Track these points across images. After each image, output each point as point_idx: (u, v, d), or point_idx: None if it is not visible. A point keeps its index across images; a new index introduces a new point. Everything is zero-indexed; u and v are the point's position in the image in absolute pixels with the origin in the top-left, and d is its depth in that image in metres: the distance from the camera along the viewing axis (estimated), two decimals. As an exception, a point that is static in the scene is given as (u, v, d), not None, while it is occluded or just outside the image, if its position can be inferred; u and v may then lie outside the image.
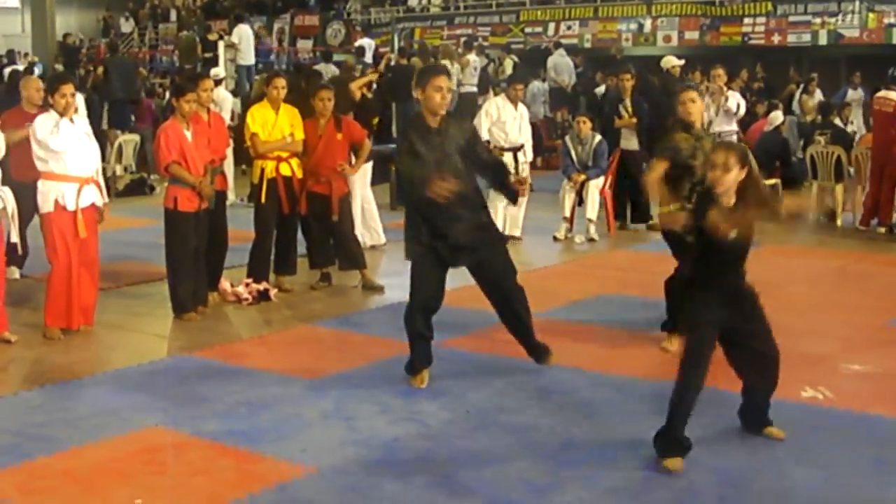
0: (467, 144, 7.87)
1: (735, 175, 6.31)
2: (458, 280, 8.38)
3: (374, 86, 16.70)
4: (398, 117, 22.14)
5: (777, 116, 17.18)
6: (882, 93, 15.07)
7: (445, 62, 23.11)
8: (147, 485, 6.01)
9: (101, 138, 11.03)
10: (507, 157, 13.86)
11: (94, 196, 9.31)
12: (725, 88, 15.56)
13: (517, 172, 13.93)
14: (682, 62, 18.28)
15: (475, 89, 23.60)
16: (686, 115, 8.92)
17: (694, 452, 6.32)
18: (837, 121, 17.36)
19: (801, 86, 22.63)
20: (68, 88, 9.18)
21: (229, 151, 12.14)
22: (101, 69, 23.45)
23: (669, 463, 6.13)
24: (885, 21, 26.05)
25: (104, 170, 11.10)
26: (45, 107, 9.47)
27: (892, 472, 6.12)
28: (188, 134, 9.73)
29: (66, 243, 9.09)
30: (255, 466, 6.30)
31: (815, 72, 23.45)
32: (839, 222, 15.32)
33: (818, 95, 21.41)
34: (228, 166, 13.08)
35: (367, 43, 26.39)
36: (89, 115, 11.11)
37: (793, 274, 11.97)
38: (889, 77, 15.34)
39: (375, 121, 14.96)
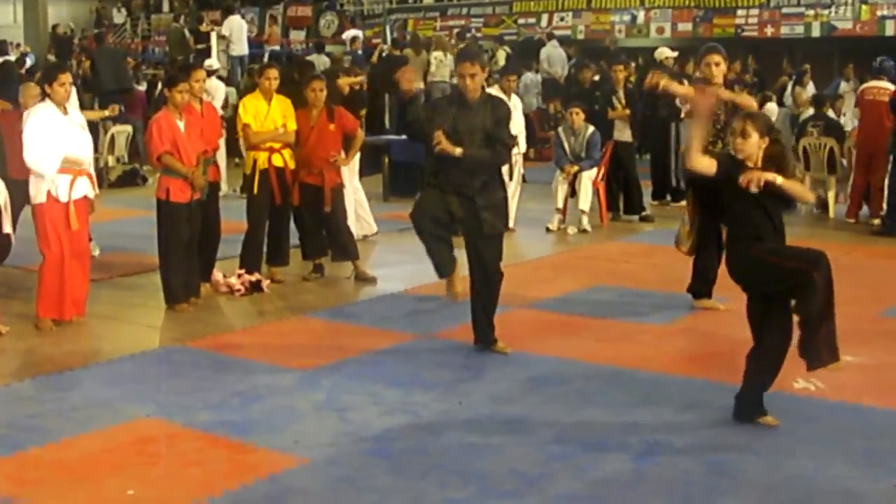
0: (494, 125, 8.24)
1: (756, 142, 6.43)
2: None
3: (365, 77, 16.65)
4: (391, 108, 22.13)
5: (772, 108, 17.18)
6: (872, 83, 15.09)
7: (438, 53, 23.13)
8: (139, 476, 6.01)
9: (93, 129, 11.00)
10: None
11: (86, 188, 9.30)
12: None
13: (511, 164, 13.96)
14: (676, 54, 18.27)
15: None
16: (709, 75, 9.79)
17: (685, 443, 6.34)
18: (830, 113, 17.35)
19: (794, 78, 22.62)
20: (66, 77, 9.18)
21: (222, 142, 12.12)
22: (87, 63, 23.33)
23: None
24: (878, 13, 26.06)
25: (96, 160, 11.08)
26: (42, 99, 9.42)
27: (883, 464, 6.13)
28: (181, 124, 9.70)
29: (59, 235, 9.07)
30: (248, 457, 6.31)
31: (808, 64, 23.43)
32: (832, 214, 15.34)
33: (811, 88, 21.41)
34: (221, 157, 13.07)
35: (355, 34, 26.37)
36: (80, 108, 11.06)
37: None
38: (876, 67, 15.33)
39: (363, 112, 14.94)
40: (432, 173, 8.34)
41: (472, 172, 8.12)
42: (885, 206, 14.34)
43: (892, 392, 7.42)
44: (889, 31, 25.65)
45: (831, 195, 15.49)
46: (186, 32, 27.45)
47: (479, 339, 8.45)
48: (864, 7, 26.24)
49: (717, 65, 9.74)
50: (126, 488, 5.81)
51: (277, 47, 29.15)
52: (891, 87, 14.77)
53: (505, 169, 13.65)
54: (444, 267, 8.28)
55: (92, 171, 9.54)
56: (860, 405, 7.16)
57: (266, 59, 23.57)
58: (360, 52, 25.25)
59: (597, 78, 16.84)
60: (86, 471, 6.11)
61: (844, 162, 15.48)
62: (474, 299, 8.42)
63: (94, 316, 9.60)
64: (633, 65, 21.72)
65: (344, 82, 14.76)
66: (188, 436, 6.64)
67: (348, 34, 26.65)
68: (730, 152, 6.68)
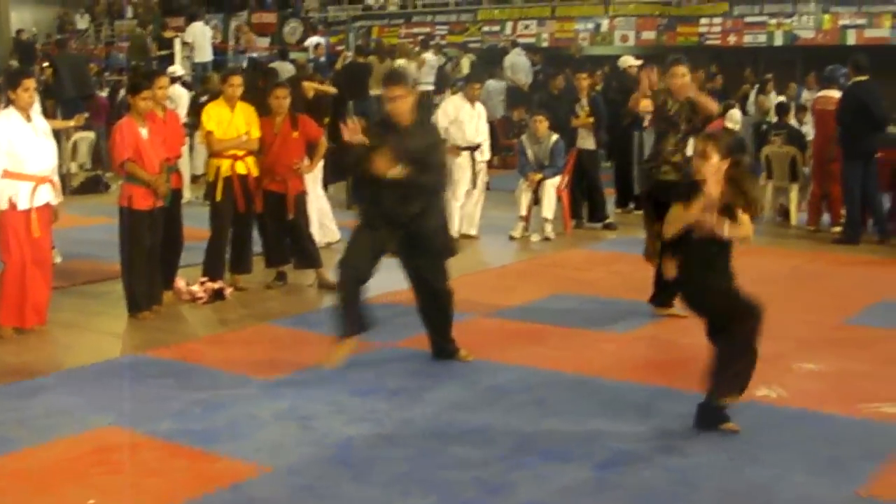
0: (426, 150, 8.08)
1: (716, 163, 6.42)
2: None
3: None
4: (354, 115, 22.09)
5: (734, 115, 17.21)
6: (823, 92, 15.18)
7: (402, 61, 23.12)
8: (100, 485, 5.98)
9: (56, 136, 10.93)
10: (465, 156, 13.90)
11: (48, 195, 9.25)
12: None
13: (474, 172, 13.98)
14: (640, 62, 18.33)
15: (432, 88, 23.61)
16: (675, 87, 9.86)
17: (647, 451, 6.36)
18: (794, 122, 17.46)
19: (757, 86, 22.75)
20: (31, 83, 9.15)
21: (185, 149, 12.08)
22: (49, 70, 23.19)
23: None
24: (840, 22, 26.22)
25: (59, 167, 11.02)
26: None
27: (844, 471, 6.16)
28: (144, 132, 9.66)
29: (20, 242, 9.02)
30: (210, 466, 6.28)
31: (771, 72, 23.56)
32: (793, 222, 15.43)
33: (774, 96, 21.52)
34: (184, 164, 13.02)
35: (318, 41, 26.34)
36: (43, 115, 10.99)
37: (747, 273, 11.90)
38: (828, 77, 15.44)
39: (327, 120, 14.92)
40: (364, 210, 8.24)
41: (408, 197, 7.95)
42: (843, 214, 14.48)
43: (854, 399, 7.44)
44: (851, 41, 25.81)
45: (793, 203, 15.58)
46: (148, 40, 27.34)
47: (436, 354, 8.46)
48: (826, 16, 26.40)
49: (683, 75, 9.80)
50: (87, 498, 5.77)
51: (255, 54, 29.00)
52: (839, 95, 14.85)
53: (468, 175, 13.82)
54: (346, 328, 8.08)
55: (55, 178, 9.49)
56: (822, 412, 7.20)
57: (245, 65, 23.51)
58: (322, 58, 25.22)
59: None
60: (46, 480, 6.07)
61: (806, 170, 15.57)
62: (424, 321, 8.43)
63: (56, 324, 9.54)
64: (598, 73, 21.84)
65: (310, 86, 14.76)
66: (150, 445, 6.60)
67: (311, 41, 26.63)
68: (688, 179, 6.68)
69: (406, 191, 7.92)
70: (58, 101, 21.03)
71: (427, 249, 8.14)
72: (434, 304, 8.32)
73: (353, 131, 7.94)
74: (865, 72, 14.18)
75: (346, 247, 8.25)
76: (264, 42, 31.66)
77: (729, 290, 6.76)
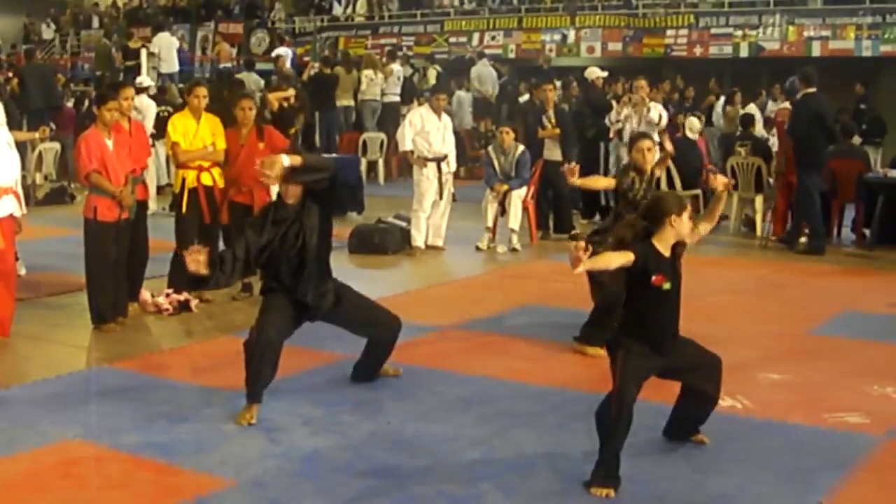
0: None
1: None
2: (382, 289, 8.36)
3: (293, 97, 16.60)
4: (321, 126, 22.12)
5: (693, 123, 17.25)
6: (783, 104, 15.28)
7: (368, 72, 23.15)
8: (64, 499, 5.94)
9: (21, 147, 10.88)
10: (431, 167, 13.92)
11: (11, 206, 9.20)
12: (647, 99, 15.71)
13: (441, 183, 14.00)
14: (606, 74, 18.43)
15: (398, 99, 23.65)
16: (641, 162, 9.50)
17: (613, 463, 6.37)
18: (762, 132, 17.59)
19: (721, 98, 22.87)
20: None
21: (151, 161, 12.03)
22: (15, 80, 23.11)
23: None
24: (805, 34, 26.37)
25: (23, 178, 10.98)
26: None
27: (808, 481, 6.18)
28: (109, 143, 9.63)
29: (-17, 254, 8.98)
30: (174, 479, 6.25)
31: (737, 83, 23.69)
32: (759, 232, 15.50)
33: (739, 108, 21.66)
34: (150, 176, 12.98)
35: (284, 52, 26.34)
36: (8, 125, 10.94)
37: (713, 283, 12.08)
38: (787, 89, 15.56)
39: (293, 131, 14.92)
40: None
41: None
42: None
43: (819, 409, 7.48)
44: (816, 52, 25.97)
45: (758, 214, 15.66)
46: (114, 50, 27.26)
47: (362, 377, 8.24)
48: (791, 28, 26.55)
49: (649, 150, 9.62)
50: (50, 511, 5.75)
51: (229, 64, 28.98)
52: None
53: (435, 186, 13.84)
54: (259, 393, 7.47)
55: (19, 190, 9.44)
56: (786, 423, 7.23)
57: (209, 76, 23.50)
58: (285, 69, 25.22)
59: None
60: (9, 494, 6.03)
61: (772, 181, 15.65)
62: (368, 356, 8.17)
63: (20, 336, 9.48)
64: (565, 83, 21.88)
65: (273, 97, 14.75)
66: (114, 458, 6.56)
67: (281, 51, 26.60)
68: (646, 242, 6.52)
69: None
70: (24, 112, 20.95)
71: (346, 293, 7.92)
72: (389, 338, 8.08)
73: None
74: (814, 84, 14.41)
75: (260, 318, 7.66)
76: (230, 52, 31.64)
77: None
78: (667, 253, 6.28)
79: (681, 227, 6.27)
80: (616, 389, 6.08)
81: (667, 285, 6.21)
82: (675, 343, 6.46)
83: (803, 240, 14.74)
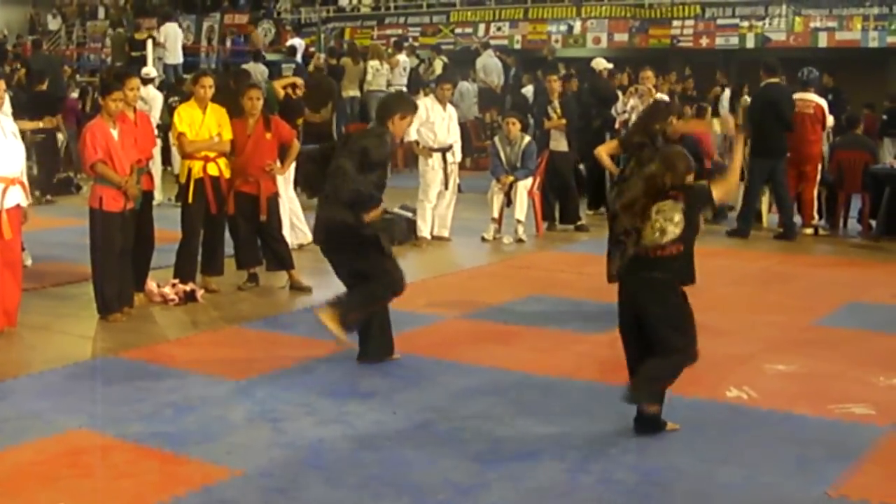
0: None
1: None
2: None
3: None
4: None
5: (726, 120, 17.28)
6: (799, 94, 15.26)
7: (375, 62, 23.12)
8: (70, 488, 5.94)
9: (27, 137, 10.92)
10: (436, 158, 13.91)
11: (18, 196, 9.21)
12: (654, 90, 15.65)
13: (446, 174, 14.00)
14: (612, 66, 18.41)
15: (405, 90, 23.62)
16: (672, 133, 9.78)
17: (618, 452, 6.37)
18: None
19: (726, 90, 22.83)
20: (1, 84, 9.10)
21: (156, 151, 12.06)
22: (22, 70, 23.14)
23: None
24: (812, 25, 26.34)
25: (29, 168, 10.99)
26: None
27: (814, 471, 6.18)
28: (114, 133, 9.63)
29: (-11, 244, 8.99)
30: (180, 469, 6.26)
31: (743, 74, 23.67)
32: (765, 223, 15.48)
33: (747, 99, 21.62)
34: (155, 166, 12.99)
35: (297, 43, 26.31)
36: (15, 115, 10.95)
37: (718, 275, 12.08)
38: (802, 80, 15.52)
39: (300, 122, 14.92)
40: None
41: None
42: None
43: (824, 400, 7.48)
44: (822, 43, 25.95)
45: (764, 205, 15.64)
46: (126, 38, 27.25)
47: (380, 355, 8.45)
48: (797, 19, 26.51)
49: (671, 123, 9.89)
50: (57, 501, 5.75)
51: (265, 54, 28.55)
52: (815, 98, 14.97)
53: (440, 177, 13.84)
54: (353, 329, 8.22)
55: (25, 180, 9.45)
56: (792, 413, 7.22)
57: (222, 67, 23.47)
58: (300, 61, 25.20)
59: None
60: (16, 484, 6.04)
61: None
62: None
63: (26, 326, 9.50)
64: (565, 76, 21.86)
65: (279, 84, 14.75)
66: (120, 447, 6.57)
67: (294, 42, 26.51)
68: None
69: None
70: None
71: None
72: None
73: None
74: (776, 74, 14.77)
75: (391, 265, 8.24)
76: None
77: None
78: None
79: None
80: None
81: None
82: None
83: (808, 230, 14.77)
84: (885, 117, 21.85)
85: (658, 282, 6.57)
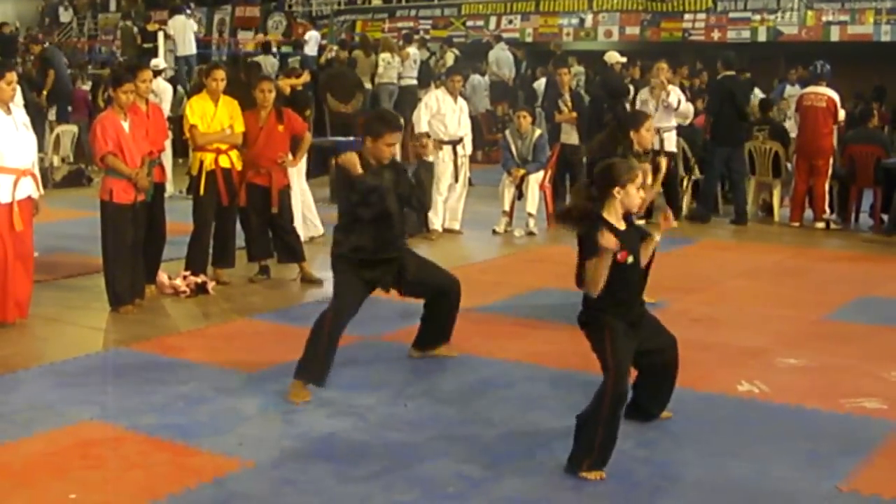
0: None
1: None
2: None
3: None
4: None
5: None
6: (811, 88, 15.28)
7: (386, 55, 23.11)
8: (82, 479, 5.95)
9: (39, 129, 10.92)
10: (447, 151, 13.91)
11: (30, 188, 9.22)
12: (667, 83, 15.39)
13: (457, 166, 13.99)
14: (625, 59, 18.36)
15: (415, 82, 23.61)
16: (641, 142, 9.47)
17: (630, 445, 6.35)
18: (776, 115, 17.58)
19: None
20: (12, 76, 9.11)
21: (168, 143, 12.05)
22: (36, 63, 23.21)
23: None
24: (824, 19, 26.31)
25: (41, 160, 11.00)
26: None
27: (826, 466, 6.17)
28: (125, 125, 9.62)
29: (2, 236, 8.98)
30: (192, 460, 6.26)
31: (755, 68, 23.63)
32: (776, 217, 15.48)
33: (757, 91, 21.60)
34: (167, 158, 12.99)
35: (313, 35, 26.28)
36: (26, 107, 10.96)
37: (730, 268, 12.08)
38: (815, 73, 15.52)
39: (308, 113, 14.92)
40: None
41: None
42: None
43: (835, 394, 7.47)
44: (834, 37, 25.92)
45: (776, 199, 15.63)
46: (135, 30, 27.25)
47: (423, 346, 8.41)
48: (809, 13, 26.48)
49: (647, 131, 9.63)
50: (69, 492, 5.75)
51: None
52: (828, 92, 14.98)
53: (451, 170, 13.84)
54: (321, 375, 7.49)
55: (36, 172, 9.46)
56: (804, 407, 7.21)
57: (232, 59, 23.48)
58: (313, 53, 25.22)
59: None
60: (28, 475, 6.05)
61: (789, 166, 15.62)
62: (432, 312, 8.31)
63: (37, 318, 9.51)
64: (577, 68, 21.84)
65: (285, 83, 14.75)
66: (132, 439, 6.58)
67: (309, 35, 26.47)
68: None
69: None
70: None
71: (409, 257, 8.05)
72: (451, 293, 8.24)
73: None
74: (733, 67, 15.64)
75: (337, 299, 7.69)
76: (247, 35, 31.57)
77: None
78: (621, 225, 6.06)
79: (627, 199, 6.05)
80: (613, 374, 6.03)
81: (630, 259, 6.02)
82: (644, 317, 6.39)
83: (820, 224, 14.78)
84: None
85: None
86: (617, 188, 6.02)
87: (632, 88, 17.15)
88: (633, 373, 6.41)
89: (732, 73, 15.65)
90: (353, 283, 7.65)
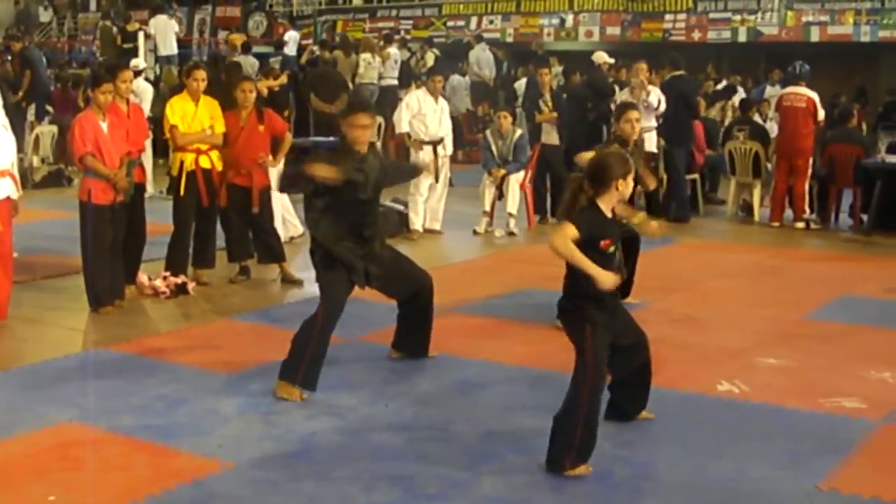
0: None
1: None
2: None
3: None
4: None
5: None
6: (790, 88, 15.33)
7: (366, 55, 23.09)
8: (61, 481, 5.94)
9: (18, 129, 10.88)
10: (427, 150, 13.91)
11: (9, 189, 9.19)
12: (646, 83, 15.41)
13: (437, 166, 13.99)
14: (613, 60, 18.36)
15: (396, 82, 23.59)
16: (629, 132, 9.54)
17: (610, 445, 6.36)
18: (756, 117, 17.60)
19: (715, 83, 22.86)
20: None
21: (148, 143, 12.02)
22: (9, 63, 23.13)
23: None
24: (804, 19, 26.35)
25: (20, 160, 10.96)
26: None
27: (805, 465, 6.19)
28: (104, 125, 9.59)
29: (-20, 237, 8.96)
30: (171, 462, 6.25)
31: (735, 69, 23.72)
32: (756, 217, 15.51)
33: (741, 93, 21.66)
34: (147, 158, 12.95)
35: (291, 35, 26.23)
36: (5, 108, 10.92)
37: (710, 268, 12.10)
38: (794, 73, 15.57)
39: (287, 112, 14.91)
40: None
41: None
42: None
43: (816, 394, 7.49)
44: (814, 38, 25.97)
45: (756, 199, 15.67)
46: (115, 30, 27.16)
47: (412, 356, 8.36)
48: (789, 13, 26.52)
49: (637, 121, 9.71)
50: (48, 494, 5.74)
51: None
52: (807, 92, 15.03)
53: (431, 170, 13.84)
54: (312, 382, 7.45)
55: (15, 172, 9.42)
56: (784, 407, 7.23)
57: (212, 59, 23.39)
58: (292, 53, 25.15)
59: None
60: (7, 476, 6.03)
61: (769, 166, 15.66)
62: (407, 311, 8.30)
63: (16, 319, 9.48)
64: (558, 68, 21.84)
65: (262, 85, 14.74)
66: (111, 440, 6.57)
67: (288, 35, 26.43)
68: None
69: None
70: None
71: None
72: (425, 294, 8.21)
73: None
74: (681, 68, 15.98)
75: (328, 300, 7.66)
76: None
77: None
78: (609, 214, 6.13)
79: (625, 189, 6.16)
80: (591, 368, 6.05)
81: (612, 248, 6.07)
82: (619, 307, 6.43)
83: (800, 224, 14.82)
84: (881, 110, 21.95)
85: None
86: (619, 181, 6.10)
87: (617, 89, 17.15)
88: (608, 378, 6.41)
89: (681, 72, 15.91)
90: (339, 280, 7.65)
